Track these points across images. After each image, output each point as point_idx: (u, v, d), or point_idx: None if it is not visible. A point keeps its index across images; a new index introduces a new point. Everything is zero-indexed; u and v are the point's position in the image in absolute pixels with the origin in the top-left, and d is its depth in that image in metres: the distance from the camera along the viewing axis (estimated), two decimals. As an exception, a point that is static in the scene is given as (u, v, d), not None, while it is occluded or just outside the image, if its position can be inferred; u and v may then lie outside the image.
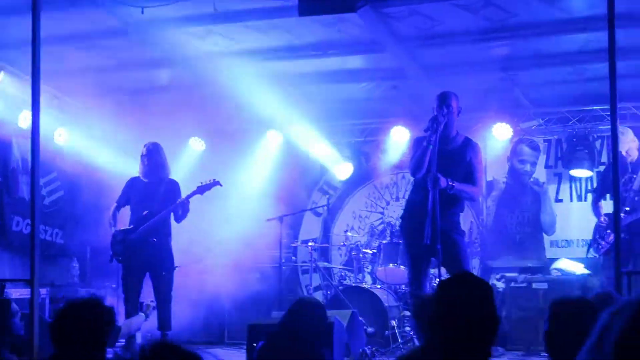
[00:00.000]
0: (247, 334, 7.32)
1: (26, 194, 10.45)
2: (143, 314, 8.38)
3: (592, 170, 10.67)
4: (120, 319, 8.34)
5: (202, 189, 8.58)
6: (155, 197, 8.50)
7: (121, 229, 8.51)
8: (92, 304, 4.06)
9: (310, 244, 10.86)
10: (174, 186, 8.64)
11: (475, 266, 11.06)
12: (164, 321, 8.43)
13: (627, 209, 8.52)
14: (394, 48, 9.19)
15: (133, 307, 8.47)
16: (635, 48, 8.72)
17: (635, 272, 8.09)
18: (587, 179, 10.96)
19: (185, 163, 11.69)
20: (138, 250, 8.41)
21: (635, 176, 8.68)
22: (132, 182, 8.76)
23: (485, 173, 11.09)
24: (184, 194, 8.60)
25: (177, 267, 8.58)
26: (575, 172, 10.82)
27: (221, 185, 8.71)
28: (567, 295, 5.22)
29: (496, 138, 10.97)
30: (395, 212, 11.42)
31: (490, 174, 11.38)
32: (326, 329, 5.29)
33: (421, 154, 6.77)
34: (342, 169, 11.92)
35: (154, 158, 8.57)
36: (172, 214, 8.50)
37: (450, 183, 6.76)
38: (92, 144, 11.30)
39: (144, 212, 8.42)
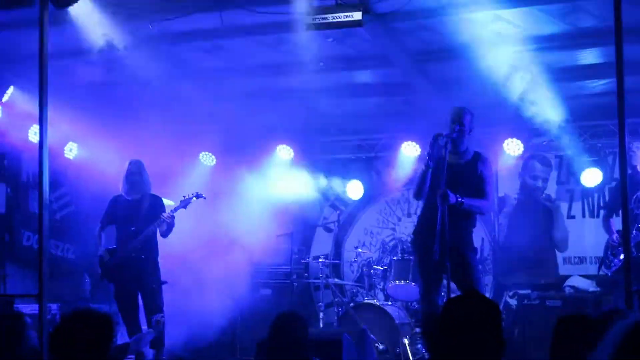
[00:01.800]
0: (256, 351, 7.28)
1: (37, 208, 10.43)
2: (152, 330, 8.30)
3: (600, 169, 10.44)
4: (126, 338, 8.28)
5: (185, 203, 8.59)
6: (140, 214, 8.45)
7: (108, 248, 8.46)
8: (88, 314, 4.04)
9: (321, 259, 10.76)
10: (157, 201, 8.60)
11: (487, 283, 10.94)
12: (156, 338, 8.22)
13: (639, 226, 8.38)
14: (402, 62, 9.14)
15: (134, 324, 8.40)
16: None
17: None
18: (599, 194, 10.79)
19: (196, 178, 11.64)
20: (127, 269, 8.35)
21: (647, 193, 8.53)
22: (116, 201, 8.70)
23: (497, 189, 10.98)
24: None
25: (164, 282, 8.51)
26: (586, 176, 10.58)
27: (204, 198, 8.68)
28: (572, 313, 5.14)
29: (507, 154, 10.86)
30: (406, 228, 11.29)
31: (502, 190, 11.24)
32: (307, 338, 5.56)
33: (421, 179, 6.77)
34: (353, 187, 11.86)
35: (136, 175, 8.55)
36: (157, 229, 8.45)
37: (459, 199, 6.70)
38: (103, 159, 11.27)
39: (131, 229, 8.37)
